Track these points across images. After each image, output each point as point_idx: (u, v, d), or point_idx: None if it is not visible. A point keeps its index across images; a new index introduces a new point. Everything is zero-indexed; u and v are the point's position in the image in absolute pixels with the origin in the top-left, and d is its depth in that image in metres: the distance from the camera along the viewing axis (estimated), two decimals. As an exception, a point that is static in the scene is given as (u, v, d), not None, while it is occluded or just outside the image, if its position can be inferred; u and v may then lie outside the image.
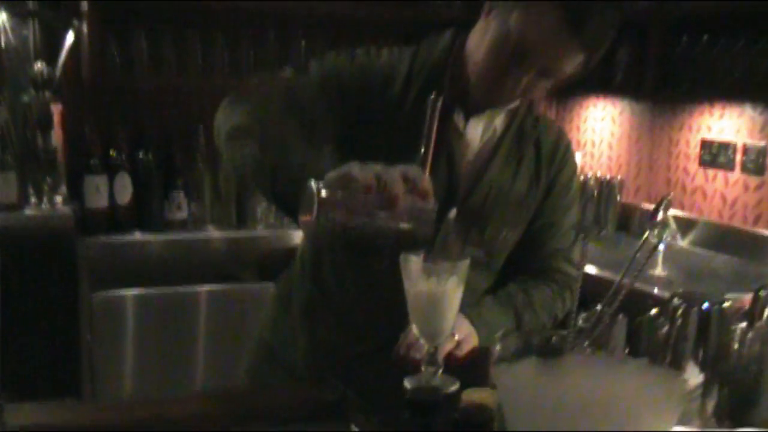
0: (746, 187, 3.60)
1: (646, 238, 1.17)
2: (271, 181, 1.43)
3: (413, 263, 1.52)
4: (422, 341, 1.57)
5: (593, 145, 4.44)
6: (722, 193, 3.71)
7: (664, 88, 3.66)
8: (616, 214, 4.10)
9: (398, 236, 1.30)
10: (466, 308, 1.62)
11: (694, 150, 3.84)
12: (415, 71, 1.74)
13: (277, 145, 1.48)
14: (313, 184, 1.26)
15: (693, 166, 3.85)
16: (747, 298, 1.52)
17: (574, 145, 1.98)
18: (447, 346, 1.65)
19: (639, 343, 1.22)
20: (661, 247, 3.24)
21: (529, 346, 0.97)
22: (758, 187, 3.55)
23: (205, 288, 3.57)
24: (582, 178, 4.10)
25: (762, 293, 1.38)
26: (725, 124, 3.69)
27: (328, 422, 1.51)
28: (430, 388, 1.49)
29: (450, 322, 1.56)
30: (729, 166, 3.66)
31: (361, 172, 1.27)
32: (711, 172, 3.76)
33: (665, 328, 1.27)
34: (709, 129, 3.76)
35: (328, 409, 1.57)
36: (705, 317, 1.27)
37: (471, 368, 1.66)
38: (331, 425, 1.50)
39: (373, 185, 1.25)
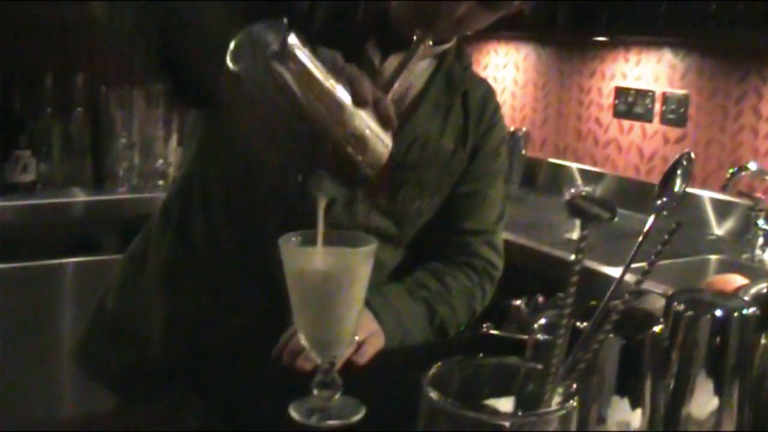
0: (666, 140, 3.28)
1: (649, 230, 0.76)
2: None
3: (296, 242, 1.11)
4: (312, 354, 1.15)
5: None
6: (639, 146, 3.39)
7: (576, 29, 3.29)
8: (521, 170, 3.77)
9: (340, 161, 1.01)
10: (367, 295, 1.21)
11: (608, 99, 3.51)
12: None
13: None
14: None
15: (606, 116, 3.52)
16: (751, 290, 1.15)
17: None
18: (346, 352, 1.24)
19: (638, 364, 0.83)
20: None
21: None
22: (679, 139, 3.23)
23: (63, 262, 3.11)
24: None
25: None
26: (643, 70, 3.36)
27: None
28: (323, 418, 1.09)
29: (350, 326, 1.14)
30: (647, 116, 3.35)
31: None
32: (626, 123, 3.44)
33: (665, 343, 0.87)
34: (625, 76, 3.44)
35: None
36: (718, 327, 0.89)
37: (377, 380, 1.27)
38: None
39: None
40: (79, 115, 3.28)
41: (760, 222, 2.70)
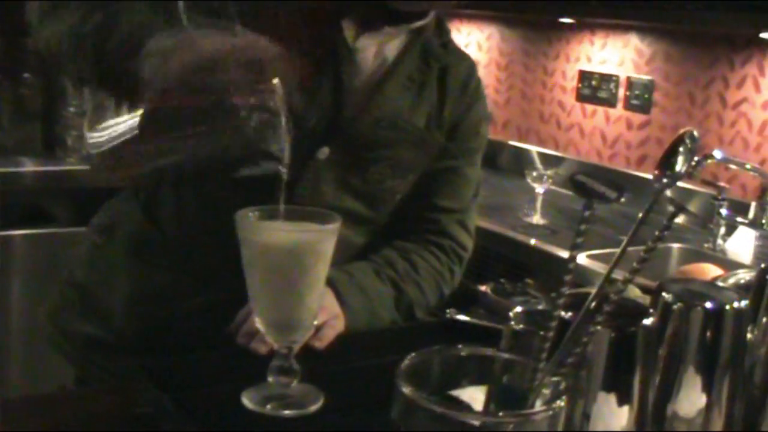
0: (629, 125, 3.24)
1: (648, 213, 0.68)
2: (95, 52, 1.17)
3: (255, 217, 1.04)
4: (268, 338, 1.07)
5: (457, 74, 4.00)
6: (602, 131, 3.34)
7: (543, 9, 3.23)
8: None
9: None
10: (331, 271, 1.14)
11: (572, 82, 3.46)
12: None
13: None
14: None
15: (569, 99, 3.47)
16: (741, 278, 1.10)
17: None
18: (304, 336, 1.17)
19: (627, 358, 0.76)
20: (541, 190, 2.86)
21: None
22: (643, 125, 3.19)
23: (11, 233, 2.97)
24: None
25: (773, 278, 0.95)
26: (608, 54, 3.31)
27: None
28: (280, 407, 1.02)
29: (311, 308, 1.07)
30: (610, 101, 3.30)
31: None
32: (590, 107, 3.39)
33: (654, 336, 0.81)
34: (590, 59, 3.38)
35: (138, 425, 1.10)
36: (710, 320, 0.83)
37: (337, 367, 1.21)
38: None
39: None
40: (28, 81, 3.15)
41: (723, 211, 2.66)
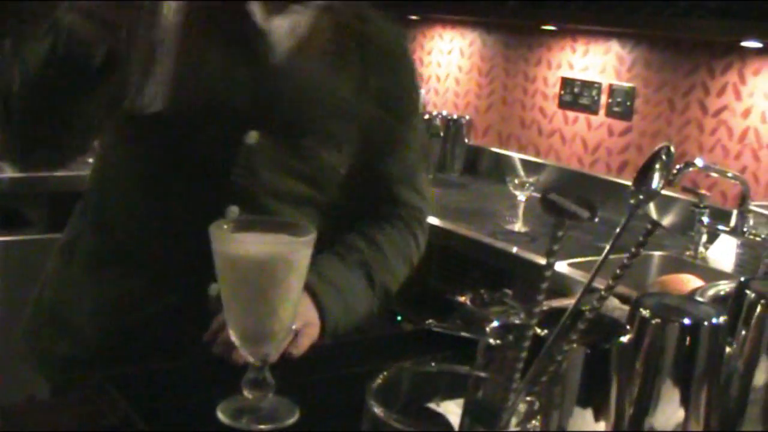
0: (611, 132, 3.24)
1: (626, 225, 0.67)
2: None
3: (229, 228, 1.03)
4: (242, 351, 1.05)
5: (438, 80, 4.00)
6: (583, 138, 3.34)
7: (524, 15, 3.22)
8: (462, 157, 3.70)
9: None
10: None
11: (553, 89, 3.45)
12: None
13: None
14: None
15: (551, 106, 3.46)
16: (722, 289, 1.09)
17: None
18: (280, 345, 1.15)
19: (603, 374, 0.75)
20: (523, 198, 2.85)
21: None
22: (624, 132, 3.19)
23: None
24: (427, 116, 3.66)
25: (750, 293, 0.94)
26: (590, 61, 3.31)
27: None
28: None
29: (285, 320, 1.05)
30: (592, 108, 3.29)
31: None
32: (571, 114, 3.38)
33: (630, 351, 0.80)
34: (571, 66, 3.38)
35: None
36: (687, 336, 0.82)
37: (313, 379, 1.18)
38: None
39: None
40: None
41: (704, 218, 2.66)
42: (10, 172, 3.08)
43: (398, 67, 1.55)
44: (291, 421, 1.04)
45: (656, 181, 0.70)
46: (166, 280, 1.40)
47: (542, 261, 2.40)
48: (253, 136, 1.37)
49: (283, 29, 1.41)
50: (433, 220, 2.58)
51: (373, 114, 1.49)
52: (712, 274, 2.22)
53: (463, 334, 1.35)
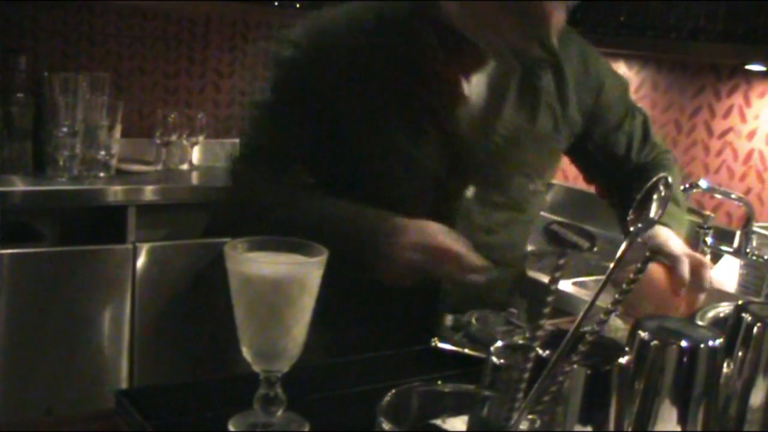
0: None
1: (625, 251, 0.71)
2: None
3: (243, 248, 1.07)
4: (254, 366, 1.09)
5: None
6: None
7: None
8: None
9: None
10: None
11: (560, 108, 3.47)
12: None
13: None
14: None
15: (558, 126, 3.48)
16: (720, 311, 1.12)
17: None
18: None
19: (603, 394, 0.78)
20: (529, 217, 2.87)
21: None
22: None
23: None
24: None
25: (747, 316, 0.97)
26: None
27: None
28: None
29: (297, 338, 1.08)
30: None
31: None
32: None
33: (630, 372, 0.83)
34: (578, 86, 3.40)
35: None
36: (685, 358, 0.85)
37: (322, 395, 1.21)
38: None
39: None
40: (20, 99, 3.16)
41: (708, 239, 2.69)
42: (21, 186, 3.12)
43: (598, 69, 1.65)
44: (302, 433, 1.07)
45: (653, 212, 0.74)
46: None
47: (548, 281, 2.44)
48: (471, 190, 1.50)
49: (480, 87, 1.50)
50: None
51: (592, 119, 1.63)
52: (715, 295, 2.25)
53: (469, 352, 1.38)
